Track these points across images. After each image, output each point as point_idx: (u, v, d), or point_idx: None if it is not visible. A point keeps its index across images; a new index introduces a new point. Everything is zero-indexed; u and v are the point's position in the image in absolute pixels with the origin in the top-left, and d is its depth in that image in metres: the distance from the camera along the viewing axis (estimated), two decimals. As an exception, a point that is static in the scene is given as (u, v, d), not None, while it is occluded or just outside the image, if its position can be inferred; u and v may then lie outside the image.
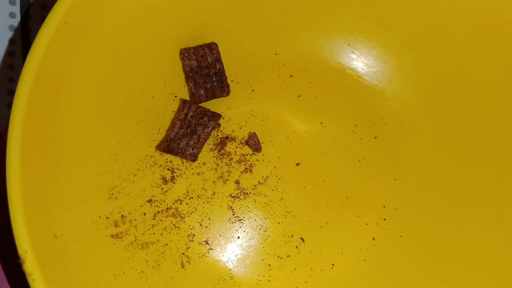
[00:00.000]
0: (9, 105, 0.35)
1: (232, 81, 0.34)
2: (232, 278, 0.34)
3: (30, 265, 0.23)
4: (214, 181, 0.34)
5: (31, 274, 0.23)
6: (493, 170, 0.34)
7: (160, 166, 0.33)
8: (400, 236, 0.34)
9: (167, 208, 0.33)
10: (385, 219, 0.35)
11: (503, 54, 0.32)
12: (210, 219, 0.34)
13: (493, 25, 0.32)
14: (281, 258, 0.34)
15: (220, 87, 0.34)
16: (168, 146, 0.32)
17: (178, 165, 0.34)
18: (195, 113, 0.33)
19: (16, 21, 0.35)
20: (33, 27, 0.35)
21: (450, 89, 0.34)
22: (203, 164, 0.34)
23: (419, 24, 0.34)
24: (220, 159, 0.34)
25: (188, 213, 0.34)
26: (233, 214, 0.34)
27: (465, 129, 0.34)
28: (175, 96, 0.34)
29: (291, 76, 0.35)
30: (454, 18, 0.33)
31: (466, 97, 0.34)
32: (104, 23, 0.29)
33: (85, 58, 0.29)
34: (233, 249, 0.34)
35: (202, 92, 0.33)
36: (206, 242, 0.34)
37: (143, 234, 0.32)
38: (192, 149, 0.33)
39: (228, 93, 0.34)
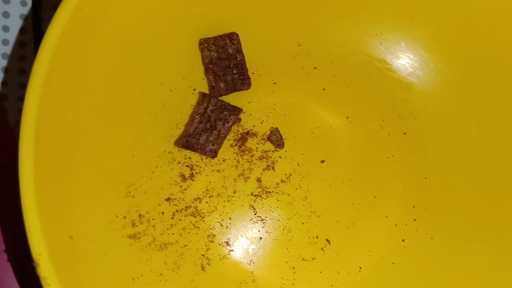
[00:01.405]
0: (20, 98, 0.34)
1: (253, 73, 0.33)
2: (254, 281, 0.33)
3: (45, 269, 0.22)
4: (234, 179, 0.33)
5: (45, 278, 0.22)
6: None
7: (179, 162, 0.32)
8: (431, 238, 0.34)
9: (186, 207, 0.32)
10: (415, 220, 0.34)
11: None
12: (231, 219, 0.33)
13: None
14: (305, 260, 0.33)
15: (241, 79, 0.32)
16: (187, 141, 0.31)
17: (197, 161, 0.33)
18: (215, 107, 0.32)
19: (27, 10, 0.34)
20: (45, 16, 0.34)
21: (483, 83, 0.33)
22: (223, 160, 0.33)
23: (451, 14, 0.32)
24: (241, 155, 0.34)
25: (208, 212, 0.33)
26: (255, 214, 0.33)
27: (499, 124, 0.33)
28: (194, 89, 0.33)
29: (315, 68, 0.34)
30: (488, 7, 0.31)
31: (500, 91, 0.33)
32: (120, 11, 0.28)
33: (100, 49, 0.28)
34: (255, 250, 0.33)
35: (222, 85, 0.32)
36: (227, 243, 0.33)
37: (162, 234, 0.31)
38: (212, 145, 0.32)
39: (249, 86, 0.33)
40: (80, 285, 0.25)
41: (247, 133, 0.34)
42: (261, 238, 0.33)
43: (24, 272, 0.29)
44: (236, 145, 0.33)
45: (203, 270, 0.32)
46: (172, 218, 0.31)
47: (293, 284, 0.33)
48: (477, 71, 0.33)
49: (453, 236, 0.33)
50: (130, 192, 0.30)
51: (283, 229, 0.33)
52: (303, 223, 0.34)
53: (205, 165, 0.33)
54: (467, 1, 0.32)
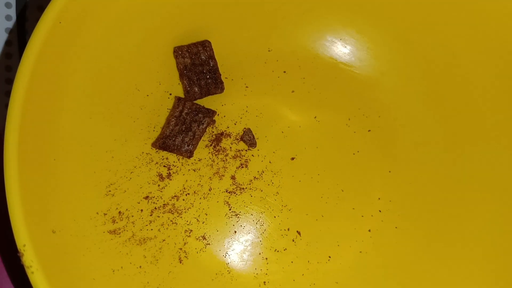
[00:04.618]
0: (7, 106, 0.35)
1: (226, 78, 0.35)
2: (229, 272, 0.34)
3: (29, 258, 0.24)
4: (210, 177, 0.34)
5: (29, 267, 0.24)
6: (485, 160, 0.34)
7: (156, 163, 0.33)
8: (396, 227, 0.35)
9: (164, 204, 0.33)
10: (380, 211, 0.35)
11: (493, 46, 0.33)
12: (207, 215, 0.34)
13: (483, 17, 0.32)
14: (278, 251, 0.34)
15: (214, 84, 0.34)
16: (163, 143, 0.33)
17: (174, 162, 0.34)
18: (190, 110, 0.33)
19: (12, 23, 0.35)
20: (29, 29, 0.36)
21: (442, 81, 0.35)
22: (199, 160, 0.34)
23: (411, 18, 0.34)
24: (215, 155, 0.35)
25: (185, 209, 0.34)
26: (230, 209, 0.34)
27: (457, 119, 0.35)
28: (170, 94, 0.34)
29: (285, 72, 0.36)
30: (446, 10, 0.33)
31: (458, 88, 0.34)
32: (97, 23, 0.30)
33: (79, 57, 0.30)
34: (230, 243, 0.34)
35: (196, 89, 0.33)
36: (204, 237, 0.34)
37: (141, 230, 0.32)
38: (188, 146, 0.33)
39: (222, 89, 0.34)
40: (63, 274, 0.26)
41: (221, 133, 0.35)
42: (235, 232, 0.34)
43: (20, 277, 0.30)
44: (211, 145, 0.35)
45: (180, 262, 0.33)
46: (151, 215, 0.33)
47: (266, 274, 0.34)
48: (436, 70, 0.34)
49: (416, 225, 0.34)
50: (110, 191, 0.32)
51: (256, 223, 0.34)
52: (275, 217, 0.35)
53: (182, 165, 0.34)
54: (425, 6, 0.33)
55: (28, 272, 0.24)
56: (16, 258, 0.24)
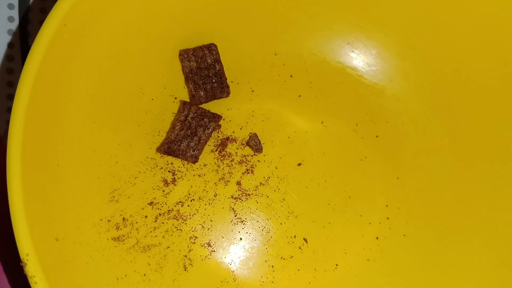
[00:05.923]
0: (9, 110, 0.35)
1: (232, 82, 0.34)
2: (235, 280, 0.33)
3: (32, 268, 0.23)
4: (215, 183, 0.34)
5: (33, 277, 0.23)
6: (494, 167, 0.34)
7: (161, 168, 0.33)
8: (404, 235, 0.35)
9: (168, 210, 0.33)
10: (388, 218, 0.35)
11: (502, 52, 0.32)
12: (212, 221, 0.34)
13: (492, 23, 0.32)
14: (284, 259, 0.34)
15: (220, 88, 0.34)
16: (168, 148, 0.32)
17: (179, 167, 0.34)
18: (195, 114, 0.33)
19: (14, 25, 0.35)
20: (32, 31, 0.35)
21: (450, 87, 0.34)
22: (204, 165, 0.34)
23: (419, 23, 0.34)
24: (221, 160, 0.34)
25: (189, 215, 0.34)
26: (235, 216, 0.34)
27: (465, 126, 0.34)
28: (175, 98, 0.34)
29: (291, 76, 0.35)
30: (453, 16, 0.33)
31: (466, 95, 0.34)
32: (103, 25, 0.29)
33: (84, 61, 0.29)
34: (235, 250, 0.34)
35: (202, 93, 0.33)
36: (209, 244, 0.34)
37: (145, 237, 0.32)
38: (193, 151, 0.33)
39: (228, 94, 0.34)
40: (66, 284, 0.26)
41: (227, 138, 0.35)
42: (241, 238, 0.34)
43: (18, 279, 0.30)
44: (216, 150, 0.34)
45: (185, 270, 0.32)
46: (155, 221, 0.32)
47: (273, 282, 0.34)
48: (444, 76, 0.34)
49: (424, 233, 0.34)
50: (114, 197, 0.31)
51: (262, 230, 0.34)
52: (281, 224, 0.34)
53: (187, 170, 0.34)
54: (433, 11, 0.33)
55: (31, 282, 0.23)
56: (19, 267, 0.24)
